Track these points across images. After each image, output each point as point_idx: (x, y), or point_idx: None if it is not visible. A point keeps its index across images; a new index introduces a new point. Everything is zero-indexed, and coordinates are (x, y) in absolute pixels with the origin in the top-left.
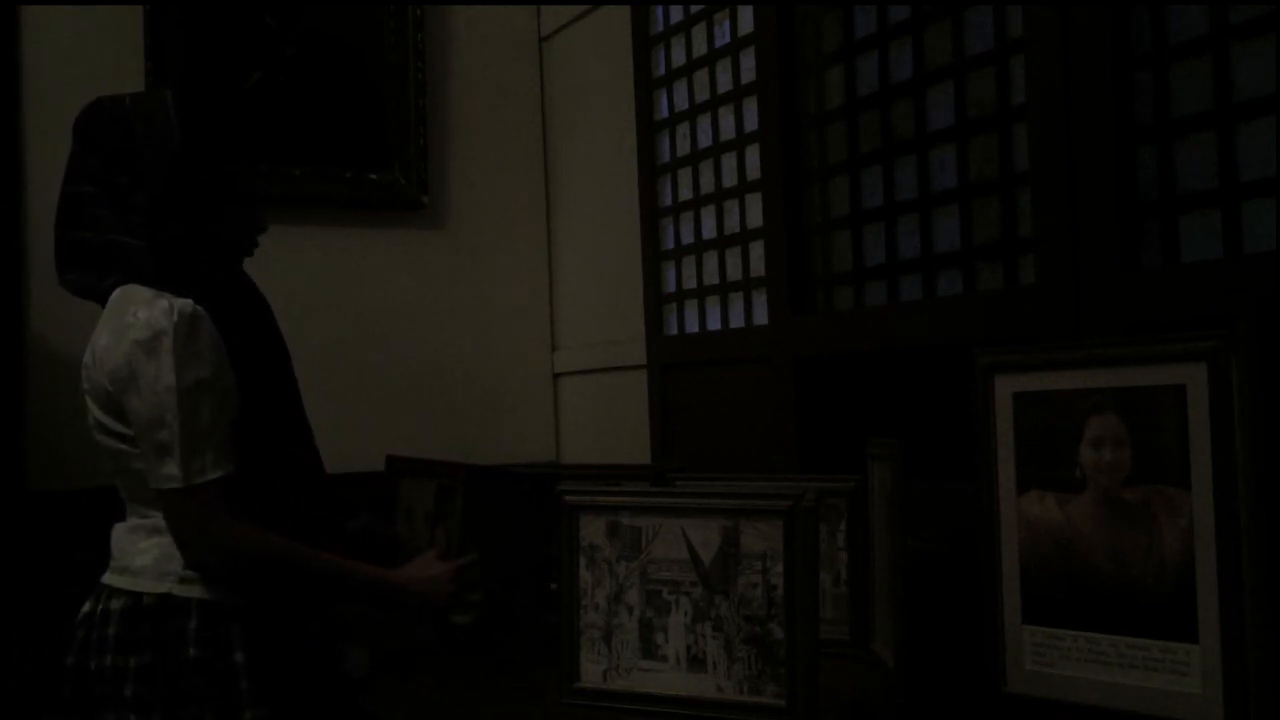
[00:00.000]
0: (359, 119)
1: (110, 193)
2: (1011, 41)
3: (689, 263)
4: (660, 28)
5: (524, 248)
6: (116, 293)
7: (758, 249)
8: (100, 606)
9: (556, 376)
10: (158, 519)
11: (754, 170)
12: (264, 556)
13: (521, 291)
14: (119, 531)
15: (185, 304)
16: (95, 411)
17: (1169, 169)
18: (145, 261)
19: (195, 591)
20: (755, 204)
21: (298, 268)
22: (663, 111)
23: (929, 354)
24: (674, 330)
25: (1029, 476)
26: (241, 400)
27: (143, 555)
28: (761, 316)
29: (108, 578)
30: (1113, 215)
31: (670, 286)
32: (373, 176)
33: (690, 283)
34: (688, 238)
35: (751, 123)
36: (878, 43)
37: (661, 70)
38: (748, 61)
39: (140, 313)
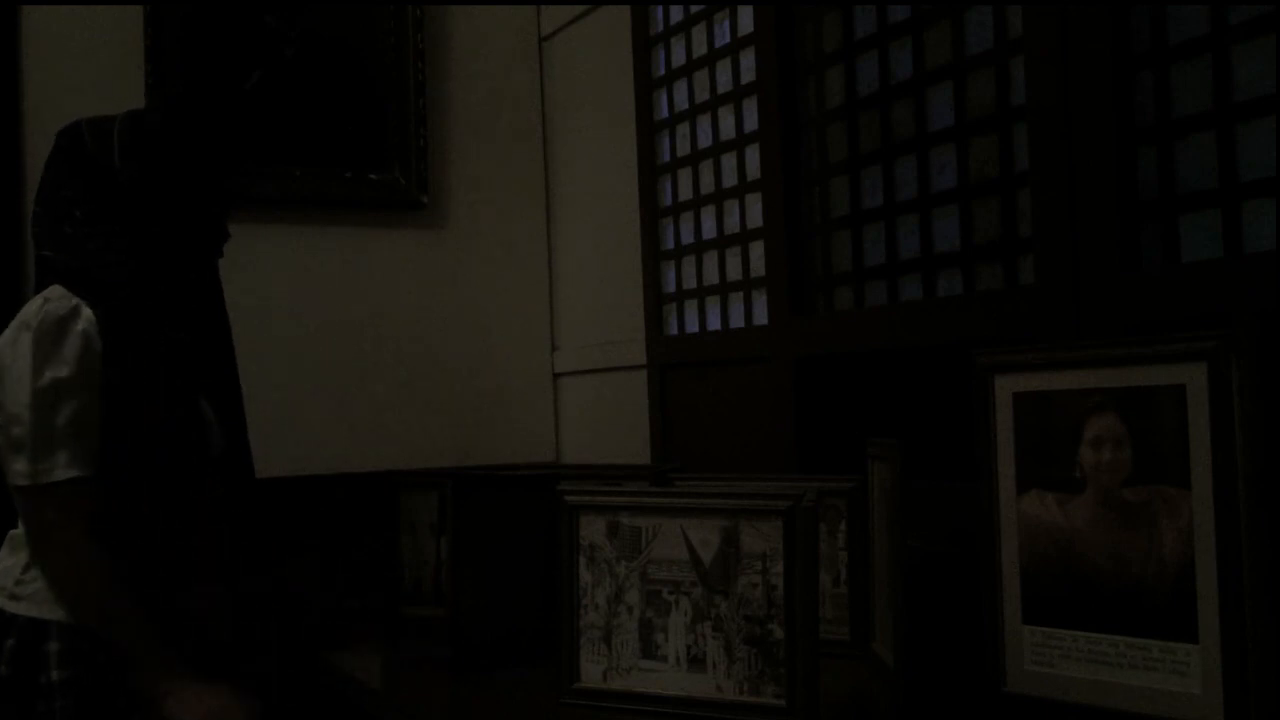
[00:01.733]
0: (359, 119)
1: (52, 209)
2: (1011, 41)
3: (689, 263)
4: (660, 28)
5: (524, 248)
6: None
7: (758, 249)
8: None
9: (556, 376)
10: (20, 528)
11: (754, 170)
12: (85, 589)
13: (521, 291)
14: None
15: (61, 306)
16: None
17: (1169, 169)
18: (67, 269)
19: (20, 608)
20: (755, 204)
21: (298, 268)
22: (663, 111)
23: (929, 354)
24: (674, 330)
25: (1029, 476)
26: (110, 410)
27: None
28: (761, 316)
29: None
30: (1113, 215)
31: (670, 286)
32: (373, 176)
33: (690, 283)
34: (688, 238)
35: (751, 123)
36: (878, 43)
37: (661, 70)
38: (748, 61)
39: (30, 305)
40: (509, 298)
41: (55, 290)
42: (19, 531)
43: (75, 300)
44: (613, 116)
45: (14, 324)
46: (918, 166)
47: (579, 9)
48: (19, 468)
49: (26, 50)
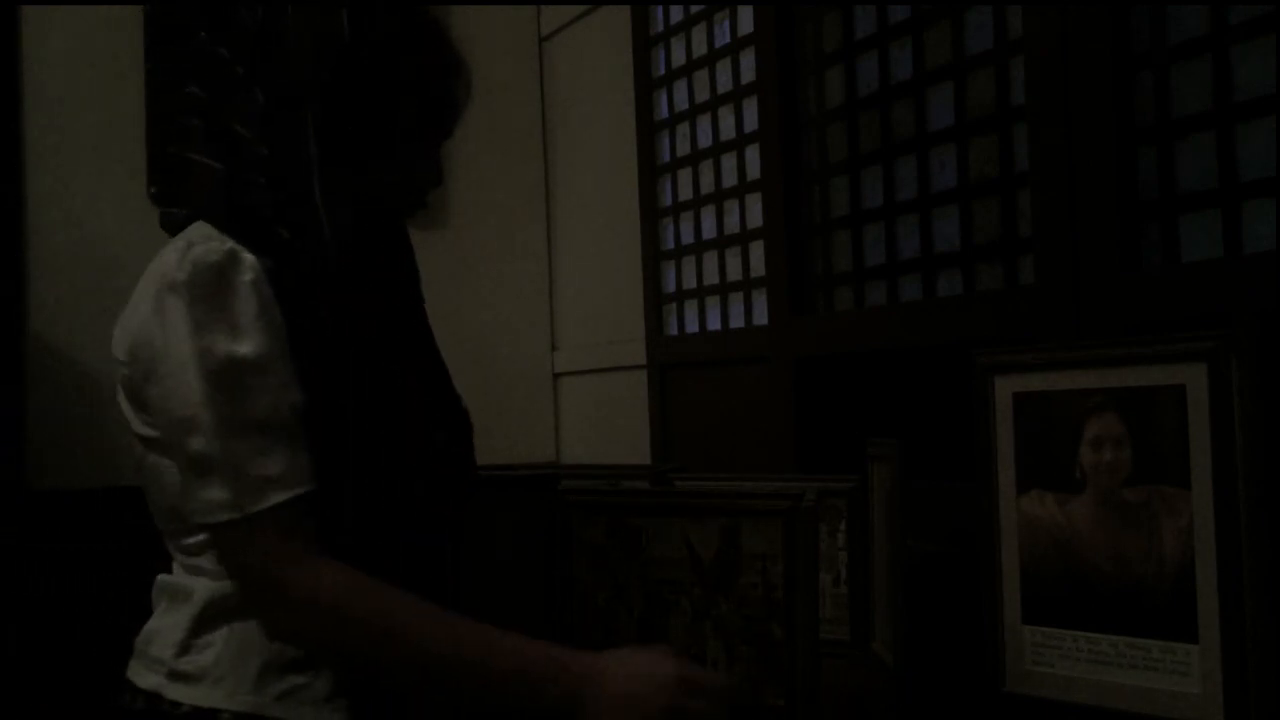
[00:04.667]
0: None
1: (214, 89)
2: (1011, 41)
3: (689, 263)
4: (660, 28)
5: (524, 248)
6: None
7: (758, 249)
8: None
9: (556, 376)
10: (181, 575)
11: (754, 170)
12: (371, 624)
13: (521, 291)
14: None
15: (215, 248)
16: (120, 402)
17: (1169, 169)
18: (221, 189)
19: (184, 694)
20: (755, 204)
21: None
22: (663, 111)
23: (929, 354)
24: (674, 330)
25: (1029, 476)
26: (314, 388)
27: (148, 626)
28: (761, 316)
29: None
30: (1113, 215)
31: (670, 286)
32: None
33: (690, 283)
34: (688, 238)
35: (751, 123)
36: (878, 43)
37: (661, 70)
38: (748, 61)
39: (165, 258)
40: (509, 298)
41: (198, 230)
42: (176, 579)
43: (229, 243)
44: (613, 116)
45: (146, 285)
46: (918, 166)
47: (579, 9)
48: (213, 496)
49: (26, 50)
